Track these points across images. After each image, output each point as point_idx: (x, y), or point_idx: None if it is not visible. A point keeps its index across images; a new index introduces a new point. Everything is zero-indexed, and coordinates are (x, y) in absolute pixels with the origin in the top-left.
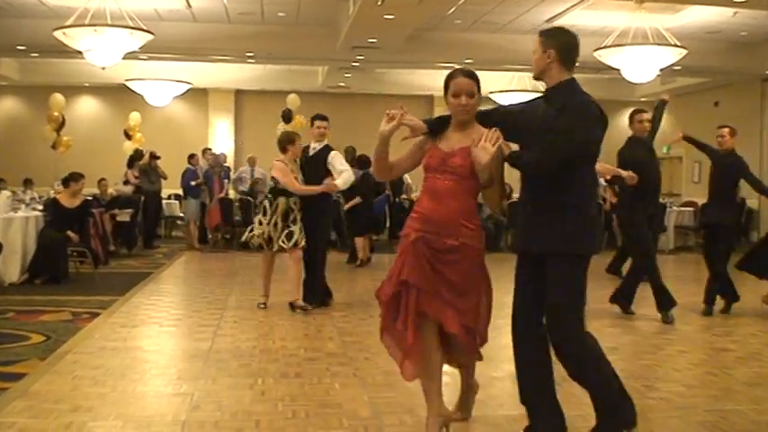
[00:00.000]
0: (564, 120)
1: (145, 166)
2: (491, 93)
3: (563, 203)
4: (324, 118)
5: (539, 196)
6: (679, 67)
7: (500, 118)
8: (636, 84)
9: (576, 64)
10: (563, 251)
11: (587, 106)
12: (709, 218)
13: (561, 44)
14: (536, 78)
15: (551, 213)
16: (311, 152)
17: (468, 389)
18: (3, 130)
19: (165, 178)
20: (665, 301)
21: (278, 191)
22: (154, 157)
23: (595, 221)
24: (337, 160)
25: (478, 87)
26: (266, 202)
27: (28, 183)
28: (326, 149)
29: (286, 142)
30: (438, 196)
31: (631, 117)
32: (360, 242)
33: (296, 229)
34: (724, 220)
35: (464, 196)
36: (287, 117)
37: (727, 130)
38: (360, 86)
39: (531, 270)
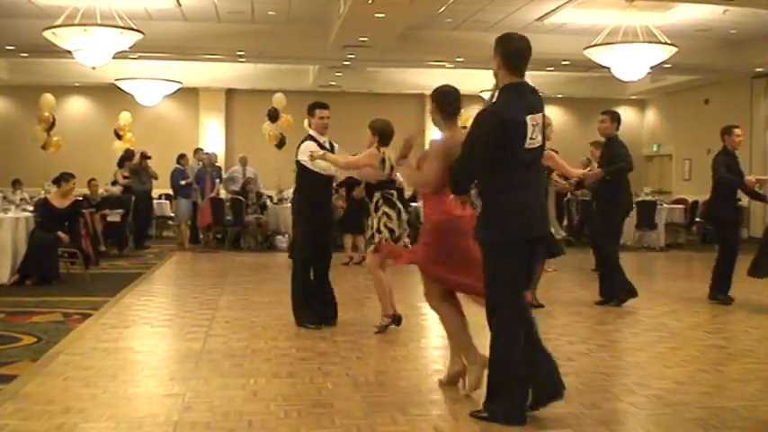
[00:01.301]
0: (468, 132)
1: (135, 166)
2: (482, 91)
3: (484, 195)
4: (326, 106)
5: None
6: (669, 65)
7: None
8: (626, 82)
9: (523, 66)
10: (481, 239)
11: (481, 123)
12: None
13: (504, 51)
14: None
15: (484, 205)
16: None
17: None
18: None
19: (156, 178)
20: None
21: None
22: (145, 157)
23: (517, 208)
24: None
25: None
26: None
27: (16, 183)
28: (332, 145)
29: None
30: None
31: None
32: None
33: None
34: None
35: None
36: (273, 116)
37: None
38: (351, 85)
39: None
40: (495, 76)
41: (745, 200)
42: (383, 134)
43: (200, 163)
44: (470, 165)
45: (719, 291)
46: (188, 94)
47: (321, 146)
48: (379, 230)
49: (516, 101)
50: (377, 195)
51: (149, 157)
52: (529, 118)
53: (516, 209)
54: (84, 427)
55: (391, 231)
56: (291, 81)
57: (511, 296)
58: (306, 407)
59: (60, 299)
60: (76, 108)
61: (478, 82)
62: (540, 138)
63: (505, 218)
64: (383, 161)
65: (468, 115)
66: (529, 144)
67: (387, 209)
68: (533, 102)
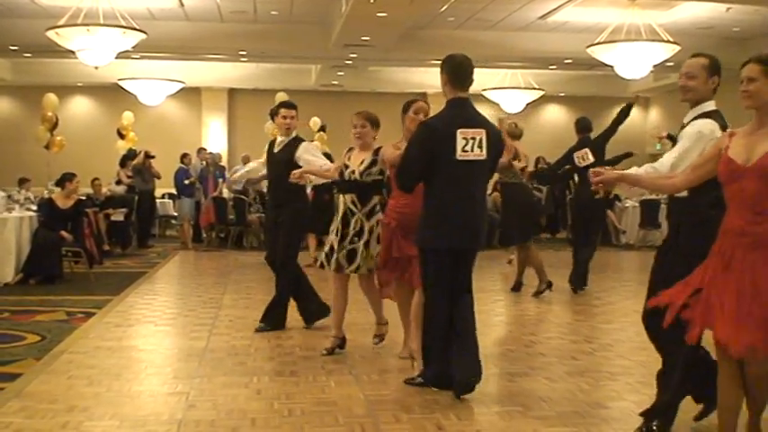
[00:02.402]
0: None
1: (139, 166)
2: (484, 90)
3: (424, 205)
4: (290, 106)
5: None
6: (672, 63)
7: None
8: (629, 80)
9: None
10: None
11: (416, 132)
12: None
13: (449, 68)
14: None
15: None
16: (276, 147)
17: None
18: None
19: (159, 177)
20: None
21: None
22: (148, 156)
23: (440, 217)
24: (310, 153)
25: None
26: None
27: (23, 182)
28: (295, 142)
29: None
30: (413, 192)
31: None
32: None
33: (359, 245)
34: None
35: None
36: (274, 115)
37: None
38: (353, 85)
39: None
40: (444, 91)
41: None
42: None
43: (204, 162)
44: (403, 170)
45: None
46: (191, 94)
47: (269, 150)
48: (367, 244)
49: (452, 114)
50: (375, 200)
51: (153, 157)
52: (459, 131)
53: (440, 218)
54: (88, 425)
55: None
56: (293, 80)
57: (431, 296)
58: (309, 405)
59: (64, 298)
60: (80, 108)
61: (481, 80)
62: (479, 152)
63: (428, 225)
64: None
65: None
66: (461, 156)
67: (365, 220)
68: (471, 117)
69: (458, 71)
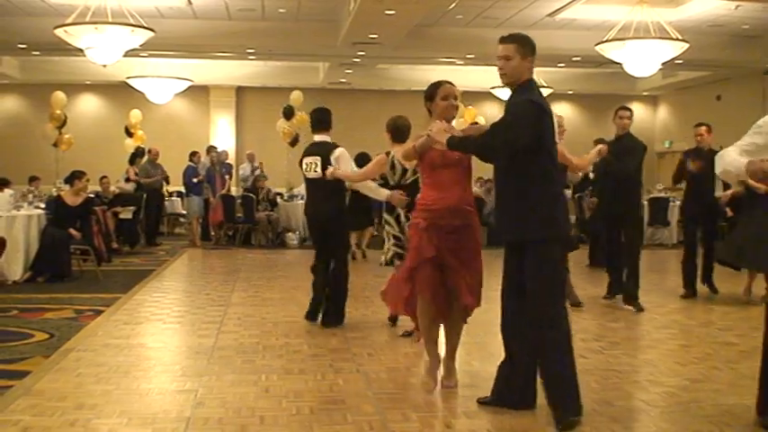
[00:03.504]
0: (502, 118)
1: (150, 181)
2: (492, 88)
3: (527, 191)
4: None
5: (503, 186)
6: (681, 61)
7: None
8: (638, 78)
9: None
10: (536, 237)
11: (525, 109)
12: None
13: (532, 48)
14: (507, 84)
15: (519, 202)
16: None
17: (452, 350)
18: (4, 129)
19: (168, 183)
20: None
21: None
22: (166, 179)
23: (560, 205)
24: (344, 162)
25: None
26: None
27: (33, 180)
28: (328, 145)
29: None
30: (443, 186)
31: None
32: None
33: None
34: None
35: (466, 183)
36: (288, 113)
37: (704, 128)
38: (361, 82)
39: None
40: (515, 70)
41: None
42: (393, 129)
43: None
44: (503, 145)
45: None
46: (198, 92)
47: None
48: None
49: (540, 95)
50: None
51: (169, 183)
52: (554, 113)
53: (557, 203)
54: (97, 423)
55: (397, 239)
56: (302, 78)
57: (562, 304)
58: (318, 403)
59: (72, 295)
60: (88, 106)
61: (489, 79)
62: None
63: (549, 211)
64: (393, 166)
65: (476, 112)
66: (558, 139)
67: (386, 215)
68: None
69: (535, 53)
